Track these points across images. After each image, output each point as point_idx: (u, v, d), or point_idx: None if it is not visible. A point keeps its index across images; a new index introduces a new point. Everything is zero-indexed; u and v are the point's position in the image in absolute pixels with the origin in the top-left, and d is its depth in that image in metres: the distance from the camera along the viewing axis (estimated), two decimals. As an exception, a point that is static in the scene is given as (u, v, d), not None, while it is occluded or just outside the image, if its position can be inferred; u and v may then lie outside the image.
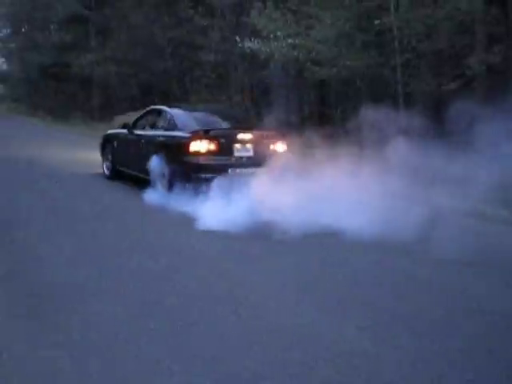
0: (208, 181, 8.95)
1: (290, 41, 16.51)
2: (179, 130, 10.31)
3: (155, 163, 10.21)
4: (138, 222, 8.73)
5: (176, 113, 11.04)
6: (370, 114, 9.24)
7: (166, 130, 10.79)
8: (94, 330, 4.64)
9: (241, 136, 10.04)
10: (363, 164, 8.60)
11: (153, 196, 9.76)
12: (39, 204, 9.72)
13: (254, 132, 10.28)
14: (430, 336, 4.60)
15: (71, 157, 16.02)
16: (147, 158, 10.41)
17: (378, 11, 15.12)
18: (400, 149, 8.37)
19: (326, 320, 4.91)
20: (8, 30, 48.41)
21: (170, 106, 11.68)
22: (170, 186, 9.63)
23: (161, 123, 11.23)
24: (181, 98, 23.06)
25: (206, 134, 9.77)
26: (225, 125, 11.22)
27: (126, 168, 12.14)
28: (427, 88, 14.44)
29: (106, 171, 12.90)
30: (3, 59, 51.24)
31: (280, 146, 10.32)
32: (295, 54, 16.52)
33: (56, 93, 36.07)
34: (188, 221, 8.25)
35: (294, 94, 19.92)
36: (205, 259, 6.82)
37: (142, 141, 11.34)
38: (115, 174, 12.46)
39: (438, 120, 8.20)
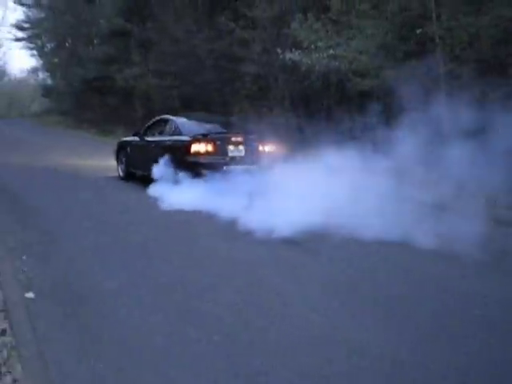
0: (206, 176, 10.95)
1: (331, 52, 16.49)
2: (182, 135, 12.35)
3: (162, 163, 12.04)
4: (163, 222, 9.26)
5: (180, 121, 13.22)
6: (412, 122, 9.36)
7: (172, 135, 12.82)
8: (135, 340, 4.72)
9: (234, 139, 12.05)
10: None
11: (159, 190, 11.35)
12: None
13: (245, 136, 12.21)
14: (472, 350, 4.57)
15: (106, 164, 16.96)
16: (156, 160, 12.27)
17: (419, 20, 15.01)
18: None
19: (368, 331, 4.90)
20: (52, 45, 49.28)
21: (174, 116, 13.80)
22: (175, 182, 11.39)
23: (167, 130, 13.27)
24: (221, 110, 23.15)
25: (204, 138, 11.78)
26: (221, 130, 12.84)
27: (137, 170, 14.28)
28: (471, 97, 14.27)
29: (120, 173, 15.24)
30: (48, 74, 52.14)
31: (268, 148, 12.15)
32: (336, 64, 16.51)
33: (100, 106, 36.52)
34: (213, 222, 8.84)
35: (335, 105, 19.85)
36: (242, 266, 6.88)
37: (152, 145, 13.39)
38: (128, 176, 14.79)
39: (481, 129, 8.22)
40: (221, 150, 11.81)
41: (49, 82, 52.15)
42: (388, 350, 4.54)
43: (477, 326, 5.10)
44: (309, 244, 7.84)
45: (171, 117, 13.69)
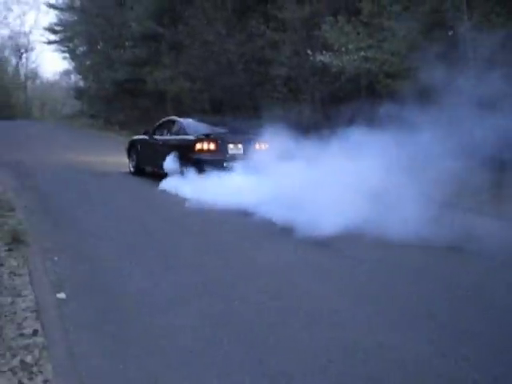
0: (208, 171, 12.18)
1: (361, 53, 16.42)
2: (188, 134, 13.81)
3: (170, 159, 13.53)
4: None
5: (185, 121, 14.83)
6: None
7: (178, 134, 14.41)
8: (164, 341, 4.75)
9: (233, 139, 13.34)
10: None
11: (170, 184, 12.84)
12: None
13: (244, 136, 13.44)
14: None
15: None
16: (164, 157, 13.75)
17: (450, 21, 14.89)
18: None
19: (400, 337, 4.85)
20: (84, 48, 49.72)
21: (180, 117, 15.51)
22: (182, 176, 12.76)
23: (174, 130, 14.81)
24: (252, 113, 23.14)
25: (206, 138, 13.09)
26: (223, 130, 14.13)
27: (147, 166, 16.01)
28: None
29: (131, 169, 16.71)
30: (80, 76, 52.62)
31: (263, 146, 13.02)
32: (367, 66, 16.43)
33: (131, 108, 36.74)
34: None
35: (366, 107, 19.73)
36: (272, 268, 6.86)
37: (160, 143, 14.94)
38: (138, 171, 16.25)
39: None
40: (221, 149, 13.08)
41: (81, 84, 52.59)
42: (421, 355, 4.51)
43: None
44: (334, 242, 7.81)
45: (178, 118, 15.35)
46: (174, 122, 15.22)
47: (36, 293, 5.89)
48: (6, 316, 5.23)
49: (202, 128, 14.10)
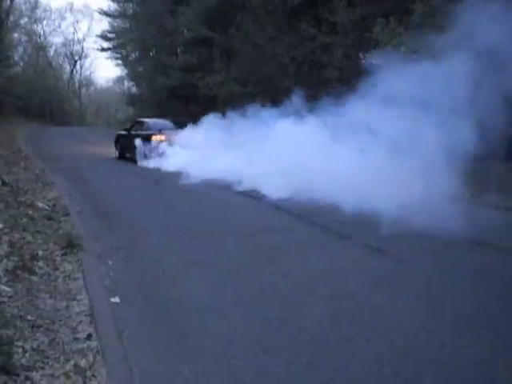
0: (161, 153, 18.91)
1: (414, 55, 16.17)
2: (149, 129, 21.08)
3: (139, 146, 20.72)
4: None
5: (150, 121, 22.82)
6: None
7: (144, 130, 21.58)
8: (219, 347, 4.70)
9: (175, 132, 19.75)
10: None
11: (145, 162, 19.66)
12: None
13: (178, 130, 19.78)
14: None
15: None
16: (135, 146, 20.93)
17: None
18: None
19: (458, 345, 4.72)
20: (137, 54, 50.39)
21: (146, 118, 24.40)
22: (145, 157, 20.08)
23: (142, 127, 22.13)
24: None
25: (159, 132, 20.25)
26: (171, 127, 21.03)
27: (125, 152, 22.61)
28: None
29: (116, 155, 23.63)
30: (133, 82, 53.33)
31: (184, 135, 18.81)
32: (420, 67, 16.18)
33: (183, 113, 37.01)
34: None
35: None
36: (322, 273, 6.77)
37: (133, 136, 21.65)
38: (121, 157, 23.02)
39: None
40: (168, 138, 19.72)
41: (133, 90, 53.33)
42: (483, 365, 4.38)
43: None
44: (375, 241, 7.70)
45: (145, 119, 23.83)
46: (142, 121, 23.10)
47: (90, 297, 5.94)
48: (60, 320, 5.27)
49: (160, 125, 21.41)
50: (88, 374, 4.26)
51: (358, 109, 11.56)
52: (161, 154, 18.84)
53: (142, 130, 21.61)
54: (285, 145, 13.33)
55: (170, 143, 19.25)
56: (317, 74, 23.11)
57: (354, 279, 6.58)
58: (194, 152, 17.03)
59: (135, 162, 20.69)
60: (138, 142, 20.83)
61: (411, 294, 6.04)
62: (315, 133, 13.03)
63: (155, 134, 20.03)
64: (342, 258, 7.51)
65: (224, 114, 17.73)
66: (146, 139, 20.22)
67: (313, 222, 9.49)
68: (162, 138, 19.84)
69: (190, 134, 18.39)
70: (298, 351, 4.59)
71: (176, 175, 14.66)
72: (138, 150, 20.70)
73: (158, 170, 17.78)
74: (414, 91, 10.06)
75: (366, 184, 10.18)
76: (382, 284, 6.42)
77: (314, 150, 12.51)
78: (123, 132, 23.51)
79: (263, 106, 16.76)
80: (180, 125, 20.16)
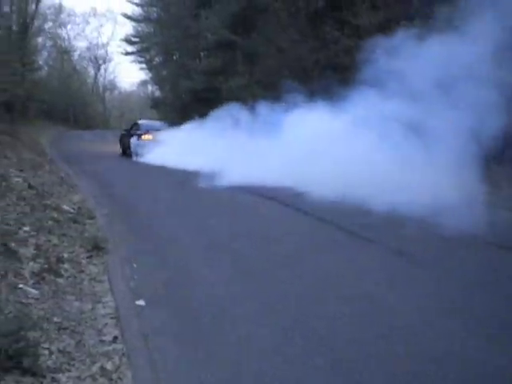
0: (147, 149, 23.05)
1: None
2: (141, 130, 25.65)
3: (133, 143, 24.91)
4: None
5: (142, 122, 27.97)
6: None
7: (137, 130, 26.08)
8: (248, 353, 4.68)
9: (162, 132, 24.36)
10: None
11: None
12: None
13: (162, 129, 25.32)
14: None
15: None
16: (130, 143, 25.25)
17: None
18: None
19: (483, 348, 4.68)
20: (161, 58, 50.58)
21: (140, 120, 29.93)
22: (136, 154, 24.08)
23: (137, 127, 26.78)
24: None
25: (148, 132, 24.76)
26: (162, 127, 26.21)
27: (126, 149, 26.10)
28: None
29: (120, 152, 27.61)
30: (156, 86, 53.57)
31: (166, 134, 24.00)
32: (444, 70, 16.07)
33: (204, 116, 37.07)
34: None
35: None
36: (343, 277, 6.74)
37: (130, 135, 25.95)
38: (123, 153, 26.97)
39: None
40: (154, 137, 23.99)
41: (157, 94, 53.53)
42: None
43: None
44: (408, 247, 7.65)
45: (139, 121, 29.06)
46: (137, 123, 28.21)
47: (116, 299, 5.97)
48: (86, 322, 5.30)
49: (149, 126, 26.41)
50: (114, 376, 4.28)
51: (384, 108, 11.58)
52: (147, 151, 22.91)
53: (136, 130, 26.06)
54: (299, 141, 13.56)
55: (156, 141, 23.32)
56: (341, 76, 23.03)
57: (372, 281, 6.56)
58: (171, 148, 21.24)
59: (131, 157, 24.76)
60: (132, 140, 25.15)
61: (427, 295, 6.02)
62: (337, 129, 13.08)
63: (144, 134, 24.76)
64: (362, 260, 7.49)
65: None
66: (138, 138, 24.80)
67: (336, 225, 9.46)
68: (150, 137, 24.39)
69: (173, 134, 23.24)
70: (314, 352, 4.58)
71: (195, 175, 14.78)
72: (132, 147, 24.90)
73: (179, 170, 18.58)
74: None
75: (391, 181, 10.17)
76: (399, 285, 6.41)
77: (339, 146, 12.54)
78: (124, 132, 28.34)
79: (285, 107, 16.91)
80: (172, 126, 26.01)
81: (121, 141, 28.06)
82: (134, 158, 24.00)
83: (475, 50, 10.25)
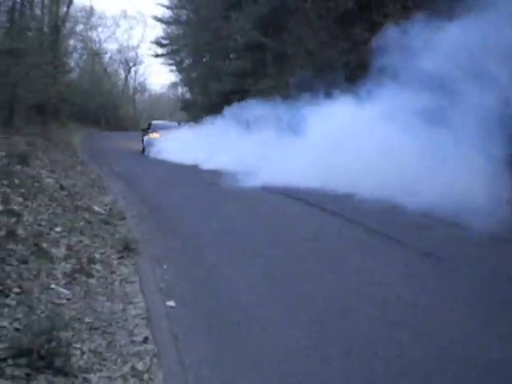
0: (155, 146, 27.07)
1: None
2: (152, 129, 29.90)
3: (145, 141, 29.15)
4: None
5: (154, 122, 32.42)
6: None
7: (149, 129, 30.29)
8: (278, 354, 4.67)
9: (170, 130, 28.06)
10: None
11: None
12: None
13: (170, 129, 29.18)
14: None
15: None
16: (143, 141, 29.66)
17: None
18: None
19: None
20: (190, 60, 50.80)
21: (154, 120, 35.02)
22: (147, 151, 28.16)
23: (150, 127, 30.96)
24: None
25: (157, 131, 29.08)
26: (172, 127, 30.17)
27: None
28: None
29: (141, 149, 29.55)
30: (186, 88, 53.82)
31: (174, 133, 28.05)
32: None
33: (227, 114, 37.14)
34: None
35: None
36: (372, 278, 6.70)
37: (144, 134, 30.04)
38: (143, 151, 29.07)
39: None
40: (161, 135, 27.41)
41: (187, 96, 53.76)
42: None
43: None
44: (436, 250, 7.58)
45: (153, 121, 32.88)
46: (151, 123, 32.01)
47: (146, 300, 5.99)
48: (117, 323, 5.33)
49: (160, 126, 30.11)
50: (145, 377, 4.30)
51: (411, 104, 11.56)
52: (155, 147, 26.49)
53: (149, 130, 30.19)
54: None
55: (166, 139, 25.99)
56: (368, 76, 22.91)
57: (403, 283, 6.51)
58: (174, 144, 24.40)
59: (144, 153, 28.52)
60: (145, 138, 29.44)
61: (459, 299, 5.95)
62: (365, 126, 13.07)
63: (152, 133, 29.03)
64: (391, 262, 7.43)
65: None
66: (149, 136, 28.90)
67: (365, 226, 9.40)
68: (157, 135, 28.11)
69: (179, 132, 26.96)
70: (351, 355, 4.56)
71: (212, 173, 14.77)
72: (144, 145, 29.00)
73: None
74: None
75: (421, 180, 10.13)
76: (431, 288, 6.35)
77: (366, 144, 12.53)
78: (142, 131, 32.00)
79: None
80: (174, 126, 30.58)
81: (141, 139, 30.81)
82: (146, 154, 27.80)
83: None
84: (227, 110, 23.34)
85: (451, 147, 10.73)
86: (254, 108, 20.60)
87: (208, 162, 19.30)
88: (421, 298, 6.03)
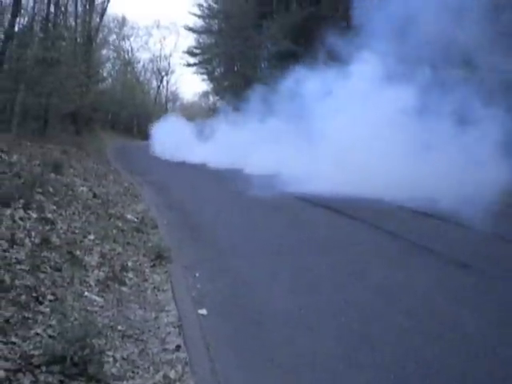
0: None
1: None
2: None
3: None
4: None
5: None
6: None
7: None
8: (309, 363, 4.64)
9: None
10: None
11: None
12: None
13: None
14: None
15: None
16: None
17: None
18: None
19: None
20: (222, 69, 51.02)
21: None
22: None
23: None
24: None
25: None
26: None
27: None
28: None
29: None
30: (218, 97, 54.02)
31: None
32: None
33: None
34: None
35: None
36: (409, 289, 6.62)
37: None
38: None
39: None
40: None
41: (218, 104, 53.94)
42: None
43: None
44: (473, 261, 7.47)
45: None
46: None
47: (179, 308, 6.00)
48: (149, 331, 5.34)
49: None
50: (177, 385, 4.29)
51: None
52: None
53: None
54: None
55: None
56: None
57: (437, 294, 6.44)
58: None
59: None
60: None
61: (497, 311, 5.86)
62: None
63: None
64: (426, 272, 7.36)
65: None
66: None
67: (401, 237, 9.33)
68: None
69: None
70: (383, 367, 4.51)
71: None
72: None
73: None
74: None
75: (455, 185, 10.04)
76: (466, 300, 6.26)
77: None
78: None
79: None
80: None
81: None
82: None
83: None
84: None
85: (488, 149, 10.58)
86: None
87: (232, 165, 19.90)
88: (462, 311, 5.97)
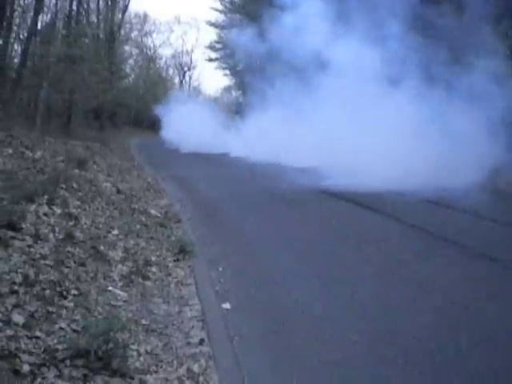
0: None
1: None
2: None
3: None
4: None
5: None
6: None
7: None
8: (332, 357, 4.61)
9: None
10: None
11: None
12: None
13: None
14: None
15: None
16: None
17: None
18: None
19: None
20: (244, 64, 50.96)
21: None
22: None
23: None
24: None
25: None
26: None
27: None
28: None
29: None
30: (240, 92, 54.03)
31: None
32: None
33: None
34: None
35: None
36: (438, 287, 6.56)
37: None
38: None
39: None
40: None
41: (241, 100, 53.91)
42: None
43: None
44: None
45: None
46: None
47: (202, 302, 5.99)
48: (173, 325, 5.35)
49: None
50: (201, 379, 4.29)
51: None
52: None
53: None
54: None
55: None
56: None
57: (466, 289, 6.37)
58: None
59: None
60: None
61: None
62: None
63: None
64: (453, 267, 7.29)
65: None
66: None
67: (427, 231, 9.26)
68: None
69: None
70: (411, 361, 4.47)
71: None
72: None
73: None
74: None
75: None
76: (495, 295, 6.19)
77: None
78: None
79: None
80: None
81: None
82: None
83: None
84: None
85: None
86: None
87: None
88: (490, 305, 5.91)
